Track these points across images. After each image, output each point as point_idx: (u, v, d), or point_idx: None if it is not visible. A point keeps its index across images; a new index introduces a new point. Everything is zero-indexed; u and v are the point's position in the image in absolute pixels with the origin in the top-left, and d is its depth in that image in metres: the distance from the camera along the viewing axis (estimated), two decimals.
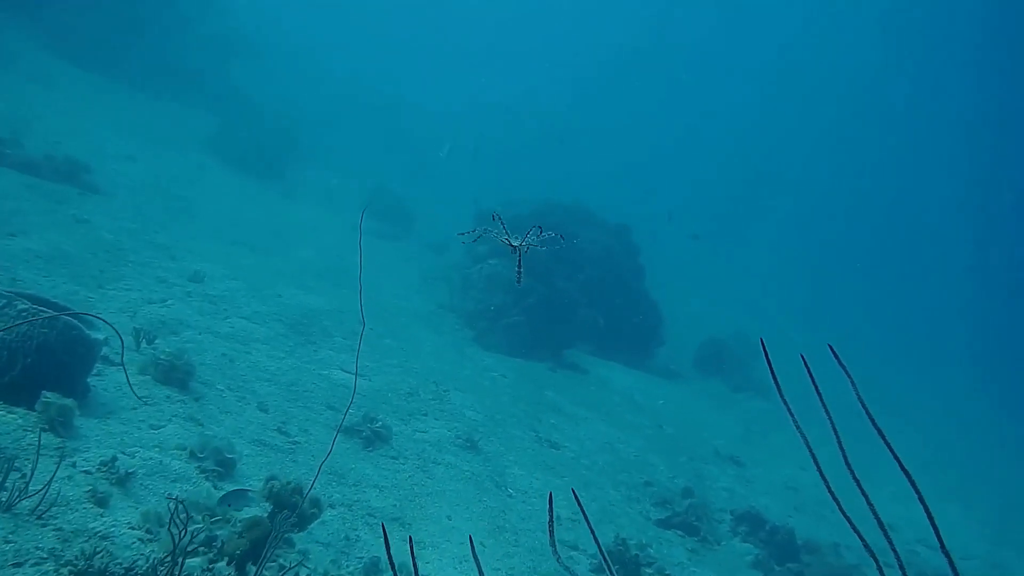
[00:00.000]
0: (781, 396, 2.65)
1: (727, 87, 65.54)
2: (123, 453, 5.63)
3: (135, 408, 6.43)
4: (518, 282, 3.66)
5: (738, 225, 45.95)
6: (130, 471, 5.39)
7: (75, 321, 5.93)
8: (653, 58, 64.10)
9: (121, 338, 6.54)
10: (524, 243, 3.63)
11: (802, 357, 2.23)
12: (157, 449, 5.94)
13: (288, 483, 5.26)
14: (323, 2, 43.56)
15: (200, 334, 8.71)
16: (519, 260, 3.50)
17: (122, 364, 6.24)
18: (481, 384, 11.58)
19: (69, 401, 5.53)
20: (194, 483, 5.75)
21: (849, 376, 2.28)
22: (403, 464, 7.97)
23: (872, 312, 40.54)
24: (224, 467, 6.09)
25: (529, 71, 58.66)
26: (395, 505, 7.05)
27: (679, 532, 9.21)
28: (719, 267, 34.61)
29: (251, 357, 8.77)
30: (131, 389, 6.11)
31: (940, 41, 52.55)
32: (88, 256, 9.52)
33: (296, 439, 7.36)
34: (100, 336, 6.46)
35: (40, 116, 14.62)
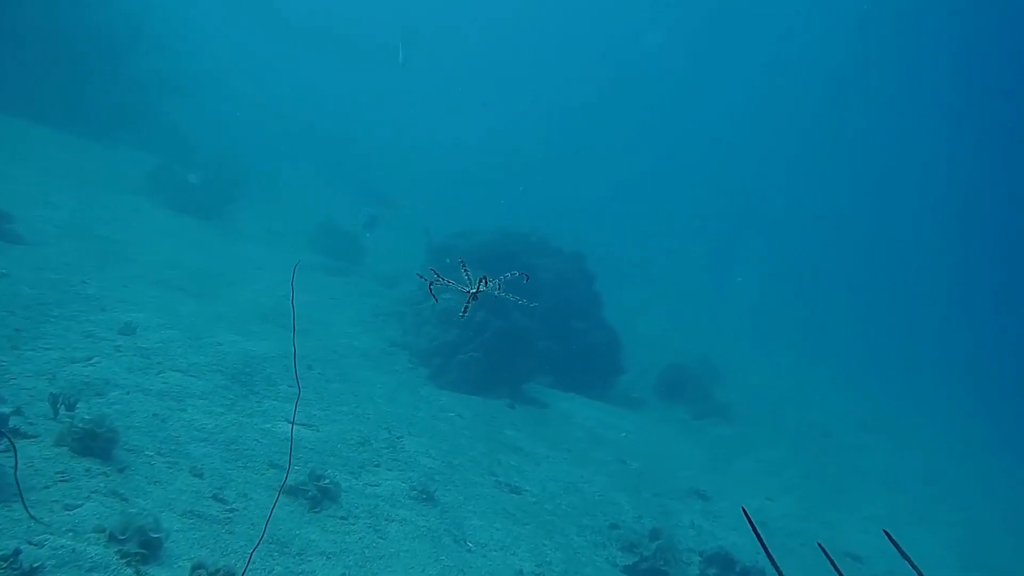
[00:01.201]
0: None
1: (693, 113, 66.57)
2: (29, 543, 5.03)
3: (47, 487, 5.82)
4: (462, 315, 3.74)
5: (700, 245, 46.29)
6: (36, 565, 4.80)
7: None
8: (617, 85, 64.80)
9: (14, 446, 5.91)
10: (481, 288, 3.59)
11: (886, 532, 2.02)
12: (71, 534, 5.34)
13: (216, 571, 4.73)
14: (266, 36, 42.99)
15: (129, 393, 8.07)
16: (468, 301, 3.61)
17: (14, 468, 5.59)
18: (437, 426, 11.09)
19: None
20: (113, 571, 5.17)
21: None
22: (353, 524, 7.43)
23: (840, 323, 41.05)
24: (149, 548, 5.51)
25: (485, 99, 58.65)
26: (343, 575, 6.51)
27: None
28: (681, 288, 34.67)
29: (186, 415, 8.16)
30: (23, 504, 5.44)
31: (919, 51, 53.90)
32: (4, 314, 8.83)
33: (234, 506, 6.79)
34: (7, 409, 5.86)
35: None
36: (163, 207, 17.42)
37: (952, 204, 58.99)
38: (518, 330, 14.46)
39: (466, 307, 3.68)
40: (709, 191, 56.66)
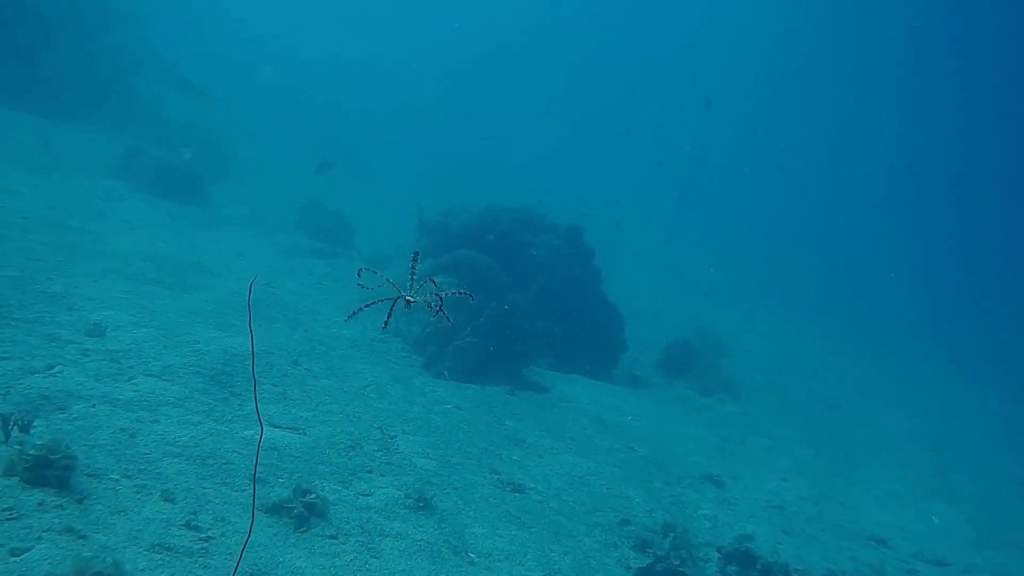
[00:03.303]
0: None
1: (651, 66, 65.35)
2: None
3: None
4: (384, 325, 3.61)
5: (685, 216, 45.65)
6: None
7: None
8: (569, 42, 63.49)
9: None
10: (417, 297, 3.46)
11: None
12: None
13: None
14: (243, 9, 41.61)
15: (94, 406, 7.38)
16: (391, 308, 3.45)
17: None
18: (432, 421, 10.45)
19: None
20: None
21: None
22: (344, 544, 6.80)
23: (830, 289, 40.56)
24: None
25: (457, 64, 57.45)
26: None
27: None
28: (675, 261, 34.05)
29: (158, 427, 7.48)
30: None
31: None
32: None
33: (210, 533, 6.13)
34: None
35: None
36: (138, 191, 16.56)
37: (916, 159, 58.33)
38: (516, 312, 13.77)
39: (389, 315, 3.52)
40: (666, 155, 55.70)
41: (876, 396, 22.57)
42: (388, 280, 3.32)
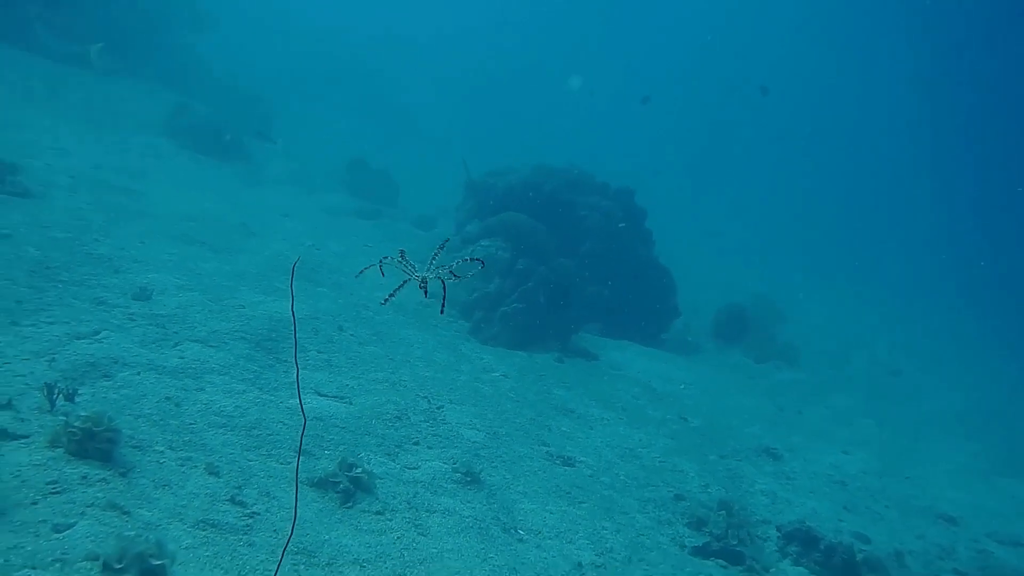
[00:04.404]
0: None
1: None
2: None
3: (35, 503, 5.02)
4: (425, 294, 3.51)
5: (727, 181, 44.43)
6: None
7: None
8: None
9: None
10: (432, 273, 3.47)
11: None
12: (57, 565, 4.55)
13: None
14: None
15: (139, 374, 7.25)
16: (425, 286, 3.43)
17: None
18: (480, 390, 10.19)
19: None
20: None
21: None
22: (390, 520, 6.59)
23: (883, 255, 39.15)
24: None
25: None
26: None
27: (721, 562, 7.90)
28: (725, 227, 33.11)
29: (203, 396, 7.34)
30: None
31: None
32: (4, 282, 8.03)
33: (255, 509, 5.97)
34: None
35: None
36: (183, 149, 16.45)
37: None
38: (564, 276, 13.37)
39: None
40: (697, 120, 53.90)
41: (937, 365, 21.68)
42: (406, 260, 3.41)
